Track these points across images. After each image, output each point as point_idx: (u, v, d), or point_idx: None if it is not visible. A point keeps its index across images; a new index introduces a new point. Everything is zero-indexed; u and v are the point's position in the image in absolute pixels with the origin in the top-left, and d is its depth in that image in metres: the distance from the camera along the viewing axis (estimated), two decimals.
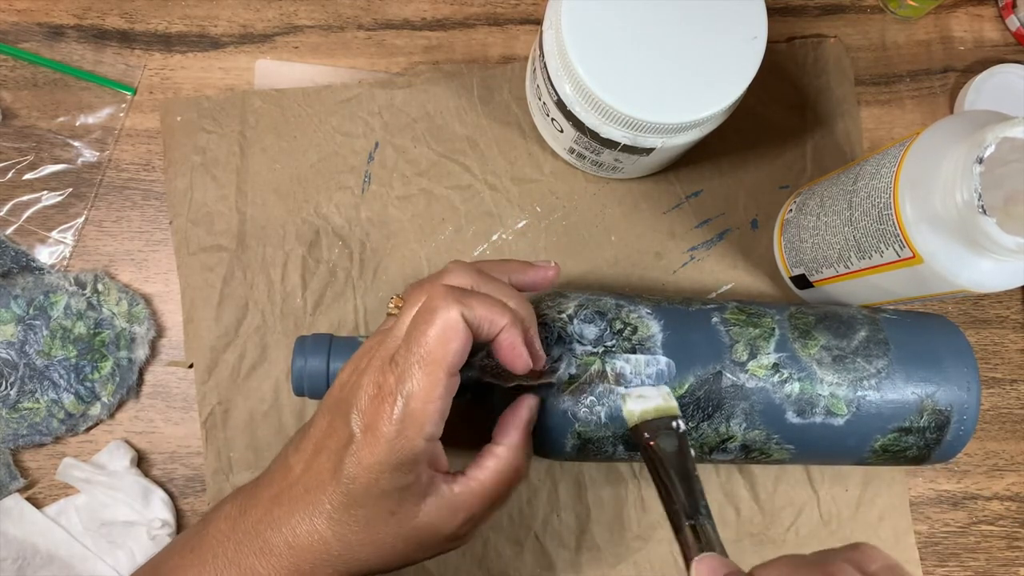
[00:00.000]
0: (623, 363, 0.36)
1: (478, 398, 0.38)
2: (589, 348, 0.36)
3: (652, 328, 0.37)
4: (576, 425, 0.36)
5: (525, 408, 0.35)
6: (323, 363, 0.38)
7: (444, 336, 0.30)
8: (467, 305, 0.30)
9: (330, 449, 0.31)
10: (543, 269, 0.37)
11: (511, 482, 0.33)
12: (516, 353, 0.32)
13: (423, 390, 0.30)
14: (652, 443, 0.33)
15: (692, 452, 0.33)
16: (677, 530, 0.30)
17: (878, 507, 0.47)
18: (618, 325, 0.37)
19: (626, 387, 0.36)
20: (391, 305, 0.35)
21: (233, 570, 0.31)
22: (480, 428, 0.37)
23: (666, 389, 0.35)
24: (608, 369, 0.36)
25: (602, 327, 0.37)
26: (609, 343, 0.37)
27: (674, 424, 0.34)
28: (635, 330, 0.37)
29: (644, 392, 0.35)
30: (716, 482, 0.46)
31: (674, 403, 0.35)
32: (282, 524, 0.31)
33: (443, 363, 0.30)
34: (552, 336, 0.37)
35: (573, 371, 0.36)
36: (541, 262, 0.37)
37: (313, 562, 0.31)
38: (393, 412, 0.30)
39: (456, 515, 0.32)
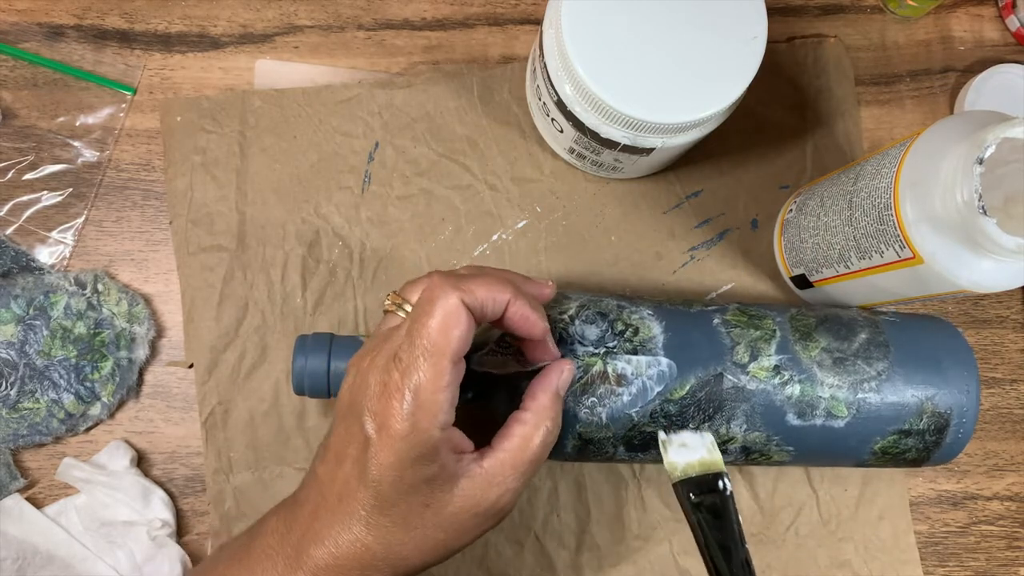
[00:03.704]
0: (624, 364, 0.36)
1: (481, 397, 0.38)
2: (591, 349, 0.36)
3: (653, 329, 0.37)
4: (577, 426, 0.36)
5: (555, 372, 0.34)
6: (324, 362, 0.38)
7: (445, 324, 0.30)
8: (465, 290, 0.30)
9: (351, 456, 0.31)
10: (540, 285, 0.36)
11: (542, 446, 0.33)
12: (531, 321, 0.32)
13: (429, 380, 0.29)
14: (697, 504, 0.31)
15: (739, 516, 0.32)
16: None
17: (878, 507, 0.47)
18: (620, 326, 0.37)
19: (665, 432, 0.34)
20: (387, 302, 0.34)
21: None
22: (483, 428, 0.36)
23: (710, 438, 0.34)
24: (610, 370, 0.36)
25: (604, 328, 0.37)
26: (611, 344, 0.37)
27: (720, 485, 0.32)
28: (636, 331, 0.37)
29: (686, 440, 0.33)
30: None
31: (719, 456, 0.33)
32: (324, 537, 0.31)
33: (447, 351, 0.30)
34: (554, 337, 0.37)
35: (575, 372, 0.36)
36: (539, 279, 0.37)
37: (360, 569, 0.31)
38: (403, 407, 0.29)
39: (490, 490, 0.31)
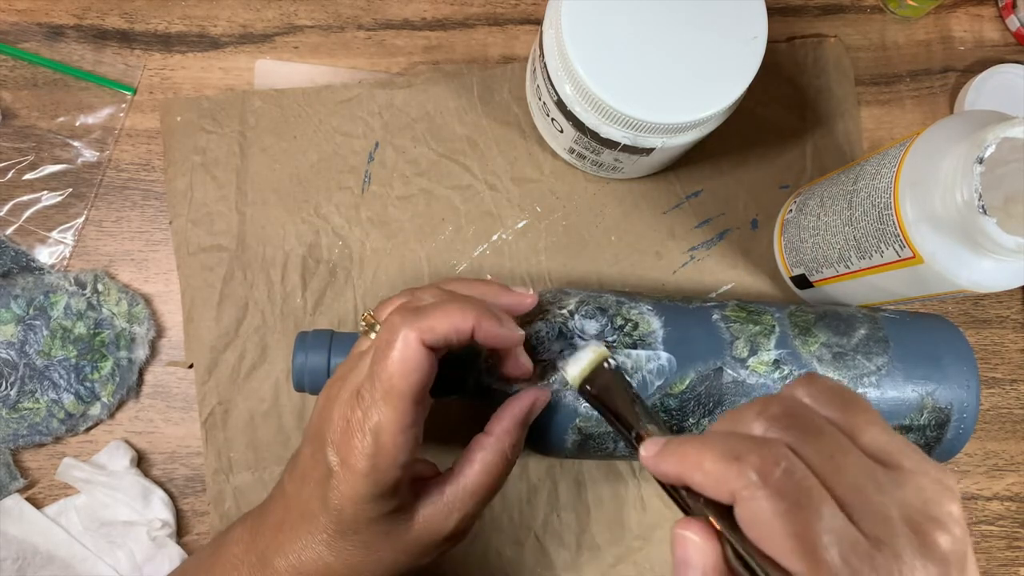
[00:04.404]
0: (624, 358, 0.36)
1: (479, 397, 0.38)
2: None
3: (653, 324, 0.37)
4: (577, 420, 0.36)
5: (527, 399, 0.35)
6: (324, 359, 0.38)
7: (404, 367, 0.29)
8: (424, 328, 0.29)
9: (315, 480, 0.31)
10: (520, 295, 0.35)
11: (501, 473, 0.33)
12: (500, 339, 0.32)
13: (391, 423, 0.29)
14: (593, 392, 0.33)
15: (630, 379, 0.34)
16: (633, 450, 0.30)
17: None
18: (619, 321, 0.37)
19: (561, 363, 0.35)
20: (362, 323, 0.34)
21: None
22: (481, 425, 0.36)
23: (594, 342, 0.35)
24: None
25: (603, 323, 0.37)
26: (610, 338, 0.37)
27: (605, 365, 0.33)
28: (636, 326, 0.37)
29: (578, 355, 0.34)
30: None
31: (603, 349, 0.34)
32: (288, 551, 0.32)
33: (407, 394, 0.29)
34: (553, 331, 0.37)
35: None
36: (519, 289, 0.36)
37: None
38: (363, 448, 0.29)
39: (451, 516, 0.32)
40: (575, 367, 0.34)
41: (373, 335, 0.33)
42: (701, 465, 0.23)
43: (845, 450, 0.23)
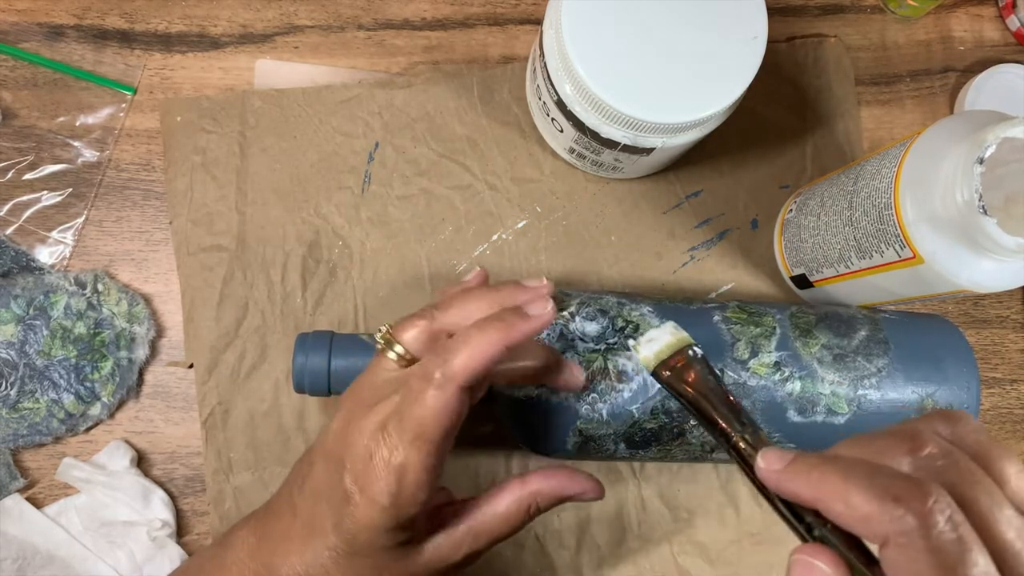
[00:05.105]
0: (625, 360, 0.36)
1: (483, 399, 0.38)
2: (591, 345, 0.36)
3: (654, 326, 0.37)
4: (578, 422, 0.36)
5: (581, 485, 0.34)
6: (324, 360, 0.38)
7: (437, 414, 0.29)
8: (458, 370, 0.29)
9: (329, 501, 0.31)
10: (535, 288, 0.35)
11: (520, 524, 0.33)
12: (533, 327, 0.31)
13: (416, 465, 0.29)
14: (670, 377, 0.32)
15: (716, 370, 0.32)
16: (728, 450, 0.29)
17: None
18: (620, 323, 0.37)
19: (634, 339, 0.34)
20: (380, 340, 0.33)
21: None
22: (481, 425, 0.36)
23: (671, 324, 0.33)
24: (610, 366, 0.36)
25: (604, 324, 0.37)
26: (611, 340, 0.37)
27: (690, 352, 0.32)
28: (636, 327, 0.37)
29: (652, 335, 0.33)
30: (716, 482, 0.46)
31: (684, 334, 0.33)
32: (294, 560, 0.32)
33: (437, 439, 0.29)
34: (554, 333, 0.37)
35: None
36: (532, 281, 0.35)
37: None
38: (386, 485, 0.29)
39: (461, 549, 0.32)
40: (649, 348, 0.32)
41: (391, 354, 0.32)
42: (846, 497, 0.22)
43: (1000, 504, 0.22)
